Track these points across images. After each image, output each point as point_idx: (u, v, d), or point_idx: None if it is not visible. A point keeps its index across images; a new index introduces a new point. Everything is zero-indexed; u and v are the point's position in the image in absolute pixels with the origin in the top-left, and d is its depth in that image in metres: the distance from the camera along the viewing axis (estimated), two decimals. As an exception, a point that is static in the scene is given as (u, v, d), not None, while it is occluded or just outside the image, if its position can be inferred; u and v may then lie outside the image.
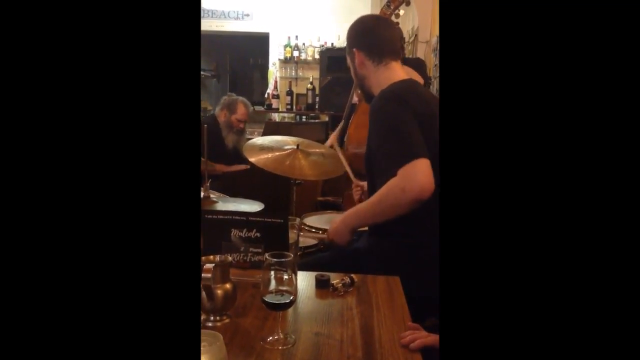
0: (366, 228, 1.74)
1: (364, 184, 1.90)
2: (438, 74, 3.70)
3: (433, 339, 1.03)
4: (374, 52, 1.66)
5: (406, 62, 1.89)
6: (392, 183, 1.44)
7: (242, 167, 3.58)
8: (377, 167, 1.56)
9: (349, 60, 1.74)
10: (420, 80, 2.15)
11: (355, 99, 2.96)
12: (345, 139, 2.93)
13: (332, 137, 2.89)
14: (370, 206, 1.54)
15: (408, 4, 2.71)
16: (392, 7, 2.72)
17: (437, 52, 3.79)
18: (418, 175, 1.40)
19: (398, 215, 1.47)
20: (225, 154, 3.59)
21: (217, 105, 3.83)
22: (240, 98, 3.75)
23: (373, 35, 1.68)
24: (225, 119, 3.64)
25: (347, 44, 1.72)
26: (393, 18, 2.72)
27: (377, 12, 2.90)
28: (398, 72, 1.68)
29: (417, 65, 2.82)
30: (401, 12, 2.93)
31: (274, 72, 6.20)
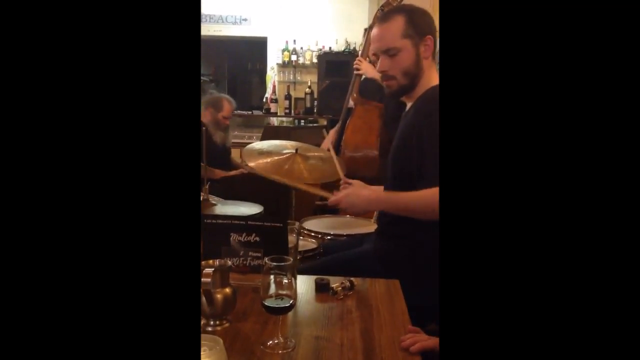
0: (367, 232, 1.74)
1: (353, 181, 1.87)
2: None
3: (433, 342, 1.03)
4: (436, 48, 1.58)
5: None
6: (433, 194, 1.40)
7: (240, 171, 3.57)
8: (424, 170, 1.50)
9: (406, 46, 1.55)
10: None
11: (351, 103, 2.96)
12: (341, 143, 2.93)
13: (327, 141, 2.89)
14: (409, 199, 1.49)
15: None
16: (385, 11, 2.73)
17: (436, 54, 3.79)
18: None
19: (427, 219, 1.44)
20: (215, 153, 3.56)
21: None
22: (223, 95, 3.73)
23: (436, 32, 1.58)
24: (212, 117, 3.59)
25: (413, 28, 1.55)
26: None
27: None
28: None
29: None
30: None
31: (272, 76, 6.20)
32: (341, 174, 1.89)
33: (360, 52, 3.03)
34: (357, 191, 1.61)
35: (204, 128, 3.32)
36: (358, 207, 1.59)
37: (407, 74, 1.57)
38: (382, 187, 1.74)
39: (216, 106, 3.61)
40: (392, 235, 1.61)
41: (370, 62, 2.78)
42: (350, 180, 1.83)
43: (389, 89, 1.64)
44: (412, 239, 1.55)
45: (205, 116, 3.61)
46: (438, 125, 1.42)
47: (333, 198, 1.62)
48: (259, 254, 1.35)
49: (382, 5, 2.75)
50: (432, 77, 1.59)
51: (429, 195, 1.45)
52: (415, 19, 1.56)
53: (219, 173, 3.48)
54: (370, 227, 2.00)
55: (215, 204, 1.96)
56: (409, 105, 1.67)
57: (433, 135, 1.46)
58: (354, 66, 2.85)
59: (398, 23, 1.55)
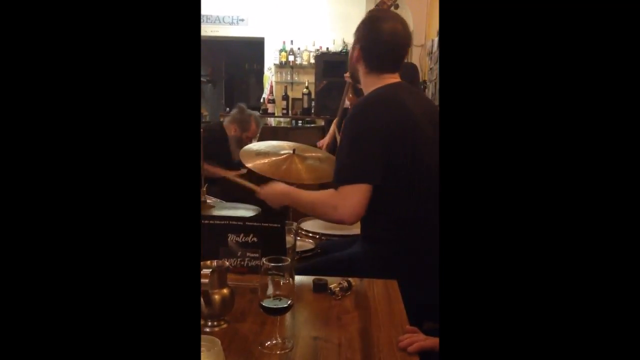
0: (358, 232, 1.74)
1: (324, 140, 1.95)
2: (434, 77, 3.71)
3: (431, 342, 1.03)
4: (370, 61, 1.64)
5: None
6: (329, 195, 1.52)
7: (238, 172, 3.56)
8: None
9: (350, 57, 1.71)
10: None
11: (347, 104, 2.97)
12: (337, 144, 2.94)
13: (324, 141, 2.90)
14: (305, 200, 1.63)
15: (396, 7, 2.73)
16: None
17: (432, 55, 3.80)
18: (353, 200, 1.46)
19: (322, 220, 1.59)
20: (230, 166, 3.53)
21: (218, 111, 3.73)
22: (254, 114, 3.59)
23: (377, 46, 1.63)
24: (235, 134, 3.51)
25: (354, 34, 1.69)
26: None
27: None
28: (386, 79, 1.64)
29: (410, 70, 2.83)
30: None
31: (270, 76, 6.20)
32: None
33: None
34: (274, 185, 1.74)
35: (221, 137, 3.28)
36: (271, 200, 1.72)
37: (350, 67, 1.73)
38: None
39: (243, 126, 3.48)
40: (377, 239, 1.61)
41: None
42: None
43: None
44: (397, 242, 1.56)
45: (230, 131, 3.51)
46: (347, 128, 1.54)
47: (258, 190, 1.77)
48: (257, 255, 1.35)
49: (376, 5, 2.75)
50: (367, 83, 1.67)
51: (315, 198, 1.58)
52: (359, 26, 1.69)
53: (220, 171, 3.46)
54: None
55: (213, 206, 1.96)
56: None
57: (342, 138, 1.58)
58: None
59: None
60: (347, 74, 1.73)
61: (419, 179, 1.51)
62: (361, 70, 1.68)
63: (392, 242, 1.56)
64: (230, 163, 3.52)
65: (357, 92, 2.94)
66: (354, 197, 1.46)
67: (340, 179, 1.50)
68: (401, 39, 1.63)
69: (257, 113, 3.69)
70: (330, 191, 1.52)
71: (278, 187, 1.72)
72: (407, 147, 1.50)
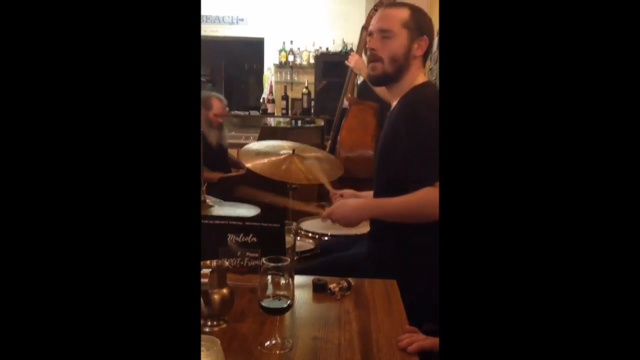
0: (365, 232, 1.74)
1: (344, 191, 1.88)
2: (434, 78, 3.71)
3: (431, 341, 1.04)
4: (428, 54, 1.62)
5: None
6: (429, 192, 1.44)
7: (238, 172, 3.57)
8: (410, 172, 1.52)
9: (403, 35, 1.58)
10: None
11: (345, 104, 2.97)
12: (337, 144, 2.94)
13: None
14: (398, 205, 1.51)
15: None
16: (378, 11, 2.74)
17: (432, 55, 3.80)
18: None
19: (423, 222, 1.45)
20: (210, 153, 3.55)
21: None
22: (213, 93, 3.67)
23: (433, 41, 1.64)
24: (202, 117, 3.56)
25: (416, 25, 1.59)
26: None
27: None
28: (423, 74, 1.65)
29: None
30: None
31: (269, 76, 6.20)
32: (329, 187, 1.90)
33: (355, 50, 3.04)
34: (346, 202, 1.62)
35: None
36: (349, 219, 1.59)
37: (394, 60, 1.59)
38: (371, 193, 1.75)
39: (205, 105, 3.54)
40: (386, 238, 1.61)
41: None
42: (341, 191, 1.85)
43: (373, 72, 1.64)
44: (406, 242, 1.56)
45: None
46: (422, 125, 1.47)
47: (325, 213, 1.63)
48: (257, 255, 1.35)
49: (375, 5, 2.75)
50: (417, 76, 1.62)
51: (415, 200, 1.48)
52: (419, 17, 1.61)
53: (217, 175, 3.47)
54: (366, 227, 2.01)
55: (212, 206, 1.95)
56: (393, 104, 1.68)
57: (417, 136, 1.49)
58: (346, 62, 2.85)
59: (403, 13, 1.59)
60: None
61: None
62: (418, 63, 1.62)
63: (400, 241, 1.56)
64: (211, 153, 3.50)
65: (361, 93, 2.93)
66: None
67: (434, 173, 1.42)
68: None
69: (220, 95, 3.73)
70: (429, 189, 1.44)
71: (351, 203, 1.60)
72: None
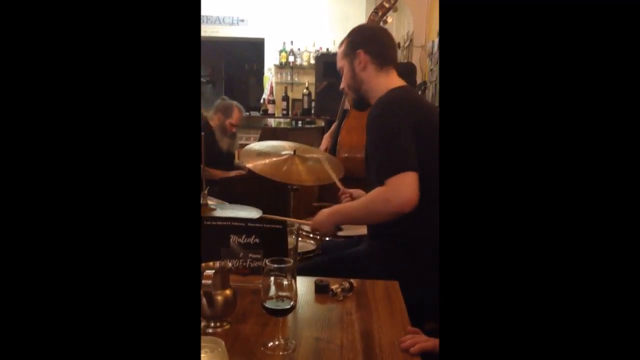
0: (365, 232, 1.75)
1: (352, 191, 1.94)
2: (434, 79, 3.71)
3: (433, 342, 1.04)
4: (379, 57, 1.68)
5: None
6: (378, 192, 1.51)
7: (240, 172, 3.58)
8: (369, 173, 1.60)
9: (345, 63, 1.73)
10: None
11: (346, 105, 2.97)
12: (337, 144, 2.94)
13: (323, 145, 2.90)
14: (355, 208, 1.63)
15: (395, 10, 2.74)
16: (379, 14, 2.74)
17: (433, 56, 3.80)
18: (403, 188, 1.46)
19: (379, 222, 1.56)
20: (220, 158, 3.58)
21: (208, 109, 3.83)
22: (235, 102, 3.76)
23: (379, 41, 1.71)
24: (220, 122, 3.63)
25: (349, 47, 1.71)
26: (381, 24, 2.75)
27: (372, 16, 2.92)
28: (395, 79, 1.71)
29: (408, 70, 2.83)
30: (389, 19, 2.95)
31: (270, 77, 6.20)
32: (340, 185, 1.95)
33: None
34: (322, 211, 1.72)
35: (205, 132, 3.33)
36: (323, 226, 1.69)
37: (350, 87, 1.75)
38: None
39: (226, 112, 3.62)
40: (382, 234, 1.62)
41: None
42: (351, 190, 1.91)
43: (350, 102, 1.86)
44: (403, 237, 1.57)
45: (214, 120, 3.62)
46: (375, 125, 1.56)
47: (310, 223, 1.74)
48: (259, 256, 1.36)
49: (376, 8, 2.76)
50: (380, 84, 1.68)
51: (365, 202, 1.58)
52: (352, 38, 1.73)
53: (218, 173, 3.49)
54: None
55: (214, 209, 1.96)
56: None
57: (371, 136, 1.59)
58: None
59: (342, 46, 1.74)
60: (343, 86, 1.73)
61: (432, 178, 1.52)
62: (370, 73, 1.69)
63: (401, 239, 1.57)
64: (221, 158, 3.54)
65: None
66: (403, 185, 1.46)
67: (385, 172, 1.49)
68: (387, 32, 1.81)
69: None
70: (377, 189, 1.51)
71: (324, 212, 1.69)
72: (432, 146, 1.51)
